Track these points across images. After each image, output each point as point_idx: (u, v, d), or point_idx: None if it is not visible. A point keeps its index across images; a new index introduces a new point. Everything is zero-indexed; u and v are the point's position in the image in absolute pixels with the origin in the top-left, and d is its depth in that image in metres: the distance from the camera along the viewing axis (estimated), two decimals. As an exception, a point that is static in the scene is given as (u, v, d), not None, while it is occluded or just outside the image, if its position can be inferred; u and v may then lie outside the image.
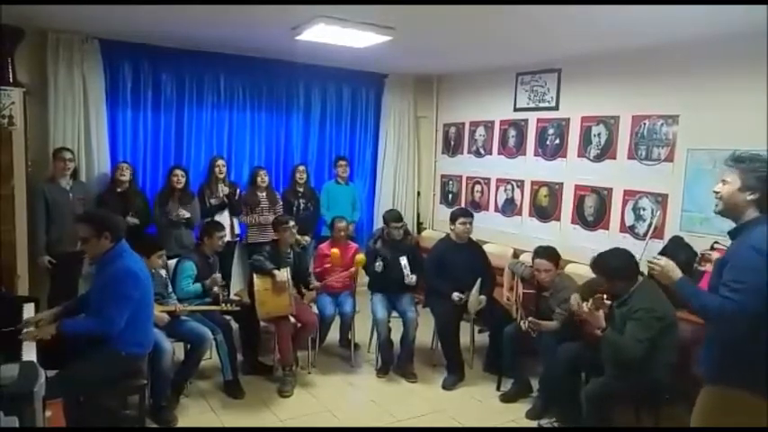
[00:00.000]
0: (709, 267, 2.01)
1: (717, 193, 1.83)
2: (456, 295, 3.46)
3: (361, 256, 3.76)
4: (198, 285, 3.28)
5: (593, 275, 2.79)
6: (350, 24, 3.26)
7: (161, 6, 3.07)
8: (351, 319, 3.74)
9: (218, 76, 4.62)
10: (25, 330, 2.31)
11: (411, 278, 3.59)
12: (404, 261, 3.61)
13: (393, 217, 3.79)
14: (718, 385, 1.75)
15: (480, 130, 5.16)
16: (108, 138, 4.20)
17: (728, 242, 3.21)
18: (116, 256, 2.42)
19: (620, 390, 2.54)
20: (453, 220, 3.69)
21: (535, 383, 3.22)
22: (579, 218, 4.22)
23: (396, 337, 3.63)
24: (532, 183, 4.63)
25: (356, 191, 5.08)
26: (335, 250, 3.77)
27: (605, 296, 2.55)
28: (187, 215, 3.94)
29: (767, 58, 2.98)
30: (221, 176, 4.31)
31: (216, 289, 3.30)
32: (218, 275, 3.36)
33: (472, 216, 3.72)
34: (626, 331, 2.46)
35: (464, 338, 3.68)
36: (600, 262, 2.66)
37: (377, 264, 3.66)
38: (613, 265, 2.59)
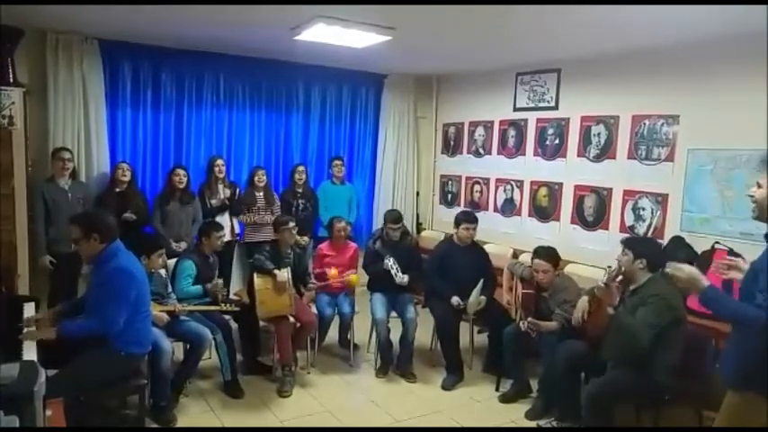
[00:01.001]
0: (732, 274, 1.95)
1: (752, 197, 1.77)
2: (455, 300, 3.45)
3: (355, 277, 3.77)
4: (198, 287, 3.28)
5: (593, 281, 2.79)
6: (349, 24, 3.26)
7: (161, 6, 3.07)
8: (350, 319, 3.74)
9: (218, 76, 4.63)
10: (26, 330, 2.32)
11: (402, 278, 3.55)
12: (390, 261, 3.56)
13: (391, 218, 3.77)
14: (744, 391, 1.74)
15: (480, 130, 5.16)
16: (108, 138, 4.20)
17: (729, 243, 3.24)
18: (110, 256, 2.40)
19: (620, 389, 2.54)
20: (457, 224, 3.67)
21: (534, 384, 3.22)
22: (579, 218, 4.22)
23: (395, 337, 3.63)
24: (532, 183, 4.63)
25: (353, 191, 5.07)
26: (334, 271, 3.75)
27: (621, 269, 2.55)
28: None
29: (767, 58, 2.98)
30: (221, 176, 4.31)
31: (217, 291, 3.31)
32: (219, 281, 3.36)
33: (476, 221, 3.69)
34: (637, 316, 2.45)
35: (464, 339, 3.68)
36: (633, 238, 2.71)
37: (385, 262, 3.60)
38: (646, 244, 2.65)
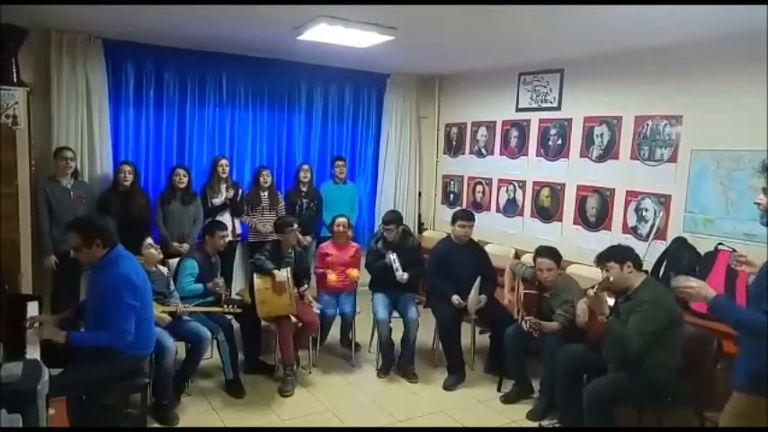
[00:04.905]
0: (744, 269, 1.99)
1: (758, 204, 1.81)
2: (456, 299, 3.45)
3: (354, 272, 3.77)
4: (199, 286, 3.29)
5: (594, 281, 2.78)
6: (352, 24, 3.26)
7: (164, 6, 3.08)
8: (351, 318, 3.74)
9: (221, 75, 4.64)
10: (30, 330, 2.31)
11: (402, 275, 3.55)
12: (393, 256, 3.56)
13: (385, 219, 3.77)
14: (748, 394, 1.78)
15: (482, 131, 5.16)
16: (110, 137, 4.21)
17: (733, 244, 3.23)
18: (111, 262, 2.36)
19: (621, 390, 2.54)
20: (453, 221, 3.69)
21: (536, 384, 3.21)
22: (581, 219, 4.22)
23: (397, 337, 3.63)
24: (534, 183, 4.62)
25: (354, 190, 5.08)
26: (333, 276, 3.76)
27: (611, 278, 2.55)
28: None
29: (767, 59, 2.97)
30: (224, 176, 4.32)
31: (218, 290, 3.32)
32: (220, 279, 3.37)
33: (472, 219, 3.68)
34: (629, 322, 2.46)
35: (465, 339, 3.68)
36: (605, 252, 2.68)
37: (387, 257, 3.59)
38: (620, 249, 2.65)
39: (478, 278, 3.45)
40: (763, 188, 1.79)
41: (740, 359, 1.85)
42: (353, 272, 3.79)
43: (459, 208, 4.56)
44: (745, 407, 1.79)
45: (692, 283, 1.84)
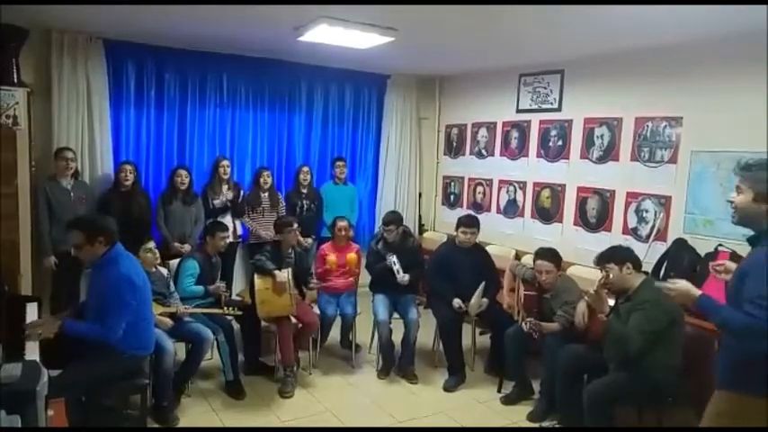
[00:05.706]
0: (723, 276, 1.98)
1: (731, 203, 1.79)
2: (456, 302, 3.45)
3: (351, 255, 3.80)
4: (200, 288, 3.29)
5: (595, 282, 2.78)
6: (353, 25, 3.26)
7: (164, 6, 3.08)
8: (352, 319, 3.74)
9: (221, 76, 4.64)
10: (28, 331, 2.31)
11: (403, 277, 3.55)
12: (394, 258, 3.56)
13: (385, 220, 3.78)
14: (729, 391, 1.77)
15: (483, 132, 5.16)
16: (111, 137, 4.21)
17: (732, 245, 3.23)
18: (111, 260, 2.38)
19: (621, 390, 2.54)
20: (456, 227, 3.69)
21: (536, 386, 3.21)
22: (581, 220, 4.21)
23: (397, 338, 3.63)
24: (534, 184, 4.62)
25: (354, 191, 5.08)
26: (332, 257, 3.78)
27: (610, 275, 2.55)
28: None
29: (767, 59, 2.97)
30: (225, 177, 4.32)
31: (219, 293, 3.32)
32: (222, 284, 3.37)
33: (475, 226, 3.65)
34: (630, 321, 2.46)
35: (466, 340, 3.68)
36: (604, 252, 2.69)
37: (388, 259, 3.60)
38: (620, 250, 2.67)
39: (482, 283, 3.44)
40: (737, 186, 1.77)
41: (720, 357, 1.84)
42: (350, 255, 3.83)
43: (462, 211, 4.55)
44: (724, 405, 1.77)
45: (675, 286, 1.82)
